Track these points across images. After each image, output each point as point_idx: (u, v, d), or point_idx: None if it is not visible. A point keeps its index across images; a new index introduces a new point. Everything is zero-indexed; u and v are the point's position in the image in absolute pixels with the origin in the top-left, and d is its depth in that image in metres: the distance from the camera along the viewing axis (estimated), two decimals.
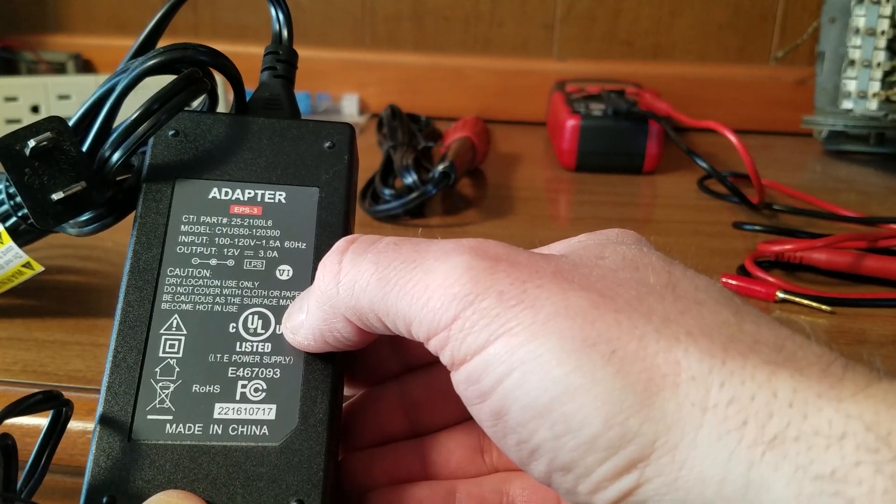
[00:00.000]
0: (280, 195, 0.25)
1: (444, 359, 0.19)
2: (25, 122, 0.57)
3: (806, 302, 0.36)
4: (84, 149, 0.25)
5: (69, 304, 0.35)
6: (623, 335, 0.17)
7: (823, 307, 0.36)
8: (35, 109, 0.59)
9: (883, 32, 0.58)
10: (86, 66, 0.74)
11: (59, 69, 0.71)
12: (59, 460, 0.21)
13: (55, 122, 0.24)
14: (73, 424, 0.27)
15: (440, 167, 0.46)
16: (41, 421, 0.26)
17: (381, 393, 0.25)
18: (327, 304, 0.20)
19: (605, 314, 0.17)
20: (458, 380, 0.19)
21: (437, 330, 0.18)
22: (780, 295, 0.37)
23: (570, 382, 0.16)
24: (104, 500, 0.20)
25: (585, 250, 0.21)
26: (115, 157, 0.24)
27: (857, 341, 0.34)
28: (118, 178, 0.26)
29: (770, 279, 0.38)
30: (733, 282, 0.38)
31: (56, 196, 0.24)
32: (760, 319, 0.18)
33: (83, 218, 0.26)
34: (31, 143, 0.23)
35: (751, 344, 0.17)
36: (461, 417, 0.25)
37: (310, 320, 0.21)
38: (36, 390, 0.20)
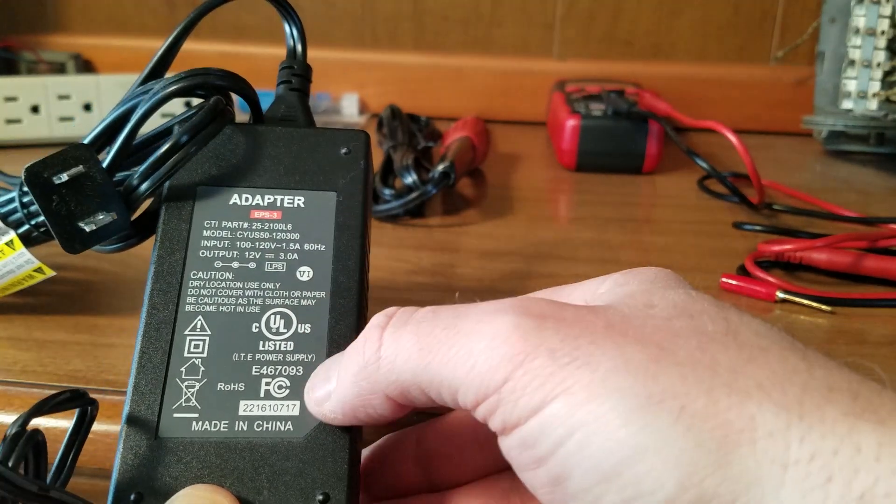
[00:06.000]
0: (299, 200, 0.25)
1: (495, 424, 0.18)
2: (25, 123, 0.58)
3: (806, 302, 0.36)
4: (104, 166, 0.25)
5: (69, 304, 0.35)
6: (690, 390, 0.16)
7: (823, 307, 0.36)
8: (35, 109, 0.59)
9: (883, 32, 0.58)
10: (86, 66, 0.74)
11: (59, 69, 0.71)
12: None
13: (83, 151, 0.25)
14: None
15: (440, 167, 0.46)
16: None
17: (397, 443, 0.24)
18: (366, 381, 0.20)
19: (667, 368, 0.16)
20: (510, 445, 0.18)
21: (487, 394, 0.17)
22: (780, 295, 0.37)
23: (638, 443, 0.15)
24: (132, 497, 0.20)
25: (631, 298, 0.20)
26: (144, 187, 0.25)
27: (856, 341, 0.34)
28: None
29: (770, 279, 0.38)
30: (733, 282, 0.38)
31: (87, 227, 0.25)
32: (829, 364, 0.17)
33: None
34: (65, 177, 0.24)
35: (825, 392, 0.16)
36: (478, 474, 0.24)
37: (341, 392, 0.20)
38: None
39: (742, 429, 0.15)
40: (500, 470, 0.23)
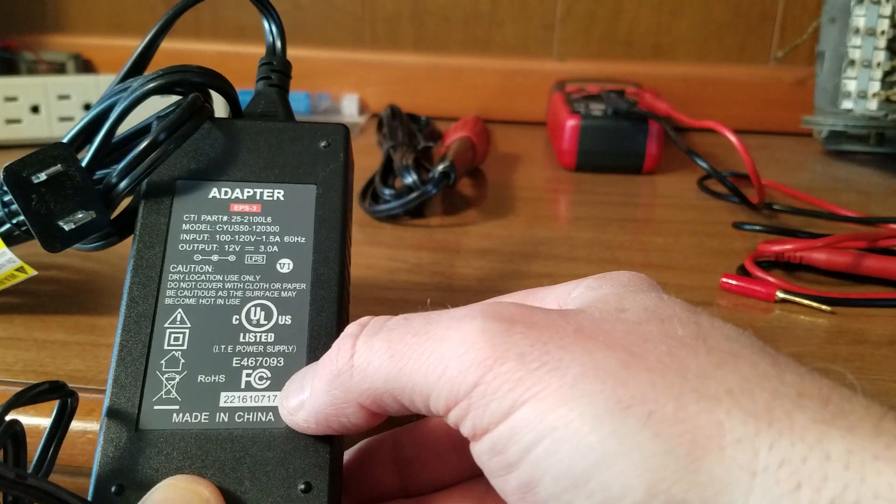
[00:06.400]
0: (278, 193, 0.25)
1: (466, 430, 0.18)
2: (25, 123, 0.58)
3: (806, 302, 0.36)
4: (83, 164, 0.25)
5: (69, 304, 0.35)
6: (659, 396, 0.16)
7: (823, 307, 0.36)
8: (35, 109, 0.59)
9: (883, 32, 0.58)
10: (86, 66, 0.74)
11: (59, 69, 0.71)
12: (58, 459, 0.21)
13: (61, 150, 0.25)
14: (73, 424, 0.27)
15: (440, 167, 0.46)
16: (41, 420, 0.26)
17: (374, 448, 0.24)
18: (339, 389, 0.20)
19: (637, 374, 0.16)
20: (481, 450, 0.18)
21: (458, 399, 0.17)
22: (780, 295, 0.37)
23: (607, 449, 0.15)
24: (113, 489, 0.20)
25: (603, 302, 0.20)
26: (122, 185, 0.25)
27: (857, 341, 0.34)
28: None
29: (770, 279, 0.38)
30: (733, 282, 0.38)
31: (66, 226, 0.25)
32: (800, 369, 0.17)
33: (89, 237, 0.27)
34: (43, 176, 0.24)
35: (795, 399, 0.16)
36: (455, 480, 0.24)
37: (314, 402, 0.20)
38: None
39: (710, 435, 0.15)
40: (476, 475, 0.23)
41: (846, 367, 0.32)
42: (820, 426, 0.15)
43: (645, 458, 0.15)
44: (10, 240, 0.29)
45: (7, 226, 0.27)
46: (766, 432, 0.15)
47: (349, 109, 0.71)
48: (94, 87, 0.60)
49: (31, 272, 0.32)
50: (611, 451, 0.15)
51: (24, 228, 0.27)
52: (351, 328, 0.20)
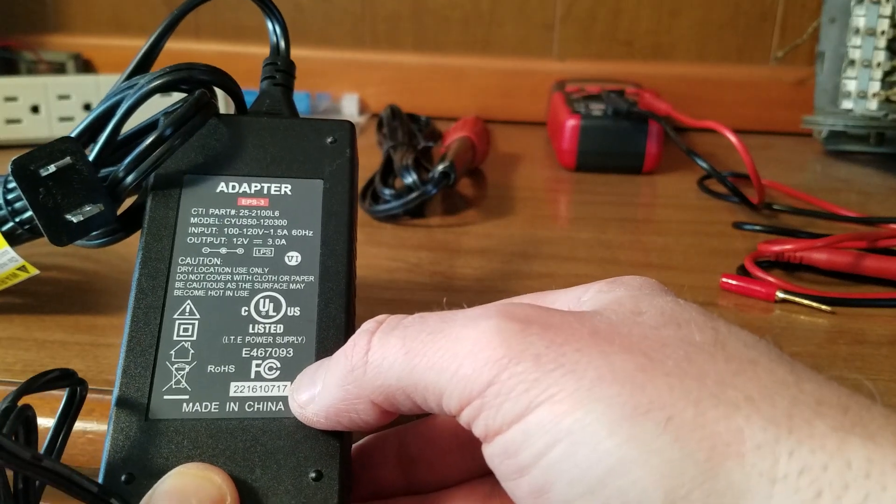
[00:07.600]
0: (286, 187, 0.26)
1: (478, 430, 0.18)
2: (25, 123, 0.58)
3: (806, 302, 0.36)
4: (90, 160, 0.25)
5: (69, 304, 0.35)
6: (677, 401, 0.16)
7: (823, 307, 0.36)
8: (35, 109, 0.59)
9: (883, 32, 0.58)
10: (86, 66, 0.74)
11: (59, 69, 0.71)
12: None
13: (69, 144, 0.25)
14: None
15: (440, 167, 0.46)
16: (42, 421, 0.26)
17: (380, 444, 0.24)
18: (353, 385, 0.19)
19: (654, 378, 0.16)
20: (492, 453, 0.17)
21: (471, 398, 0.17)
22: (780, 295, 0.37)
23: (624, 454, 0.15)
24: (123, 478, 0.20)
25: (618, 304, 0.19)
26: (129, 179, 0.25)
27: (857, 341, 0.34)
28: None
29: (770, 279, 0.38)
30: (733, 282, 0.38)
31: (74, 218, 0.25)
32: (818, 378, 0.17)
33: (95, 232, 0.27)
34: (52, 168, 0.24)
35: (814, 406, 0.16)
36: (460, 478, 0.24)
37: (325, 397, 0.20)
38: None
39: (730, 441, 0.15)
40: (482, 474, 0.23)
41: (846, 367, 0.32)
42: (840, 434, 0.15)
43: (663, 464, 0.15)
44: (13, 239, 0.29)
45: (10, 224, 0.27)
46: (785, 439, 0.15)
47: (349, 109, 0.71)
48: (94, 87, 0.60)
49: (34, 271, 0.32)
50: (628, 457, 0.15)
51: (27, 227, 0.27)
52: (367, 325, 0.20)
